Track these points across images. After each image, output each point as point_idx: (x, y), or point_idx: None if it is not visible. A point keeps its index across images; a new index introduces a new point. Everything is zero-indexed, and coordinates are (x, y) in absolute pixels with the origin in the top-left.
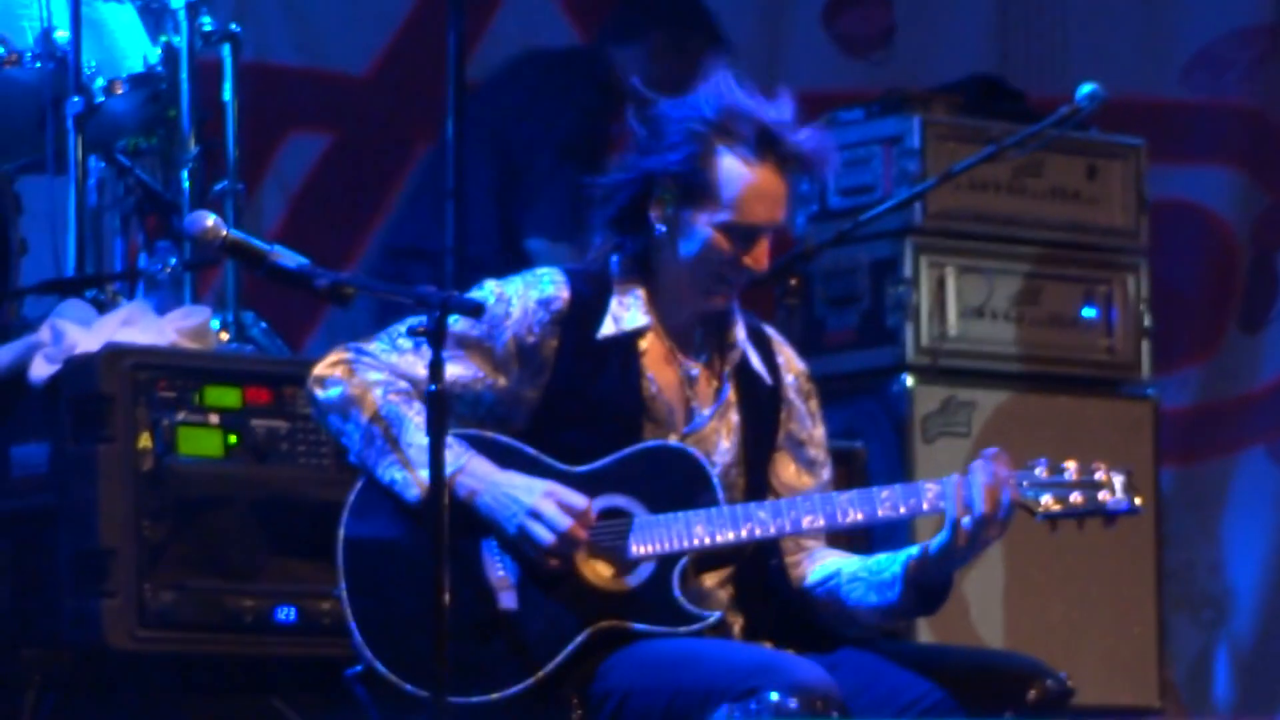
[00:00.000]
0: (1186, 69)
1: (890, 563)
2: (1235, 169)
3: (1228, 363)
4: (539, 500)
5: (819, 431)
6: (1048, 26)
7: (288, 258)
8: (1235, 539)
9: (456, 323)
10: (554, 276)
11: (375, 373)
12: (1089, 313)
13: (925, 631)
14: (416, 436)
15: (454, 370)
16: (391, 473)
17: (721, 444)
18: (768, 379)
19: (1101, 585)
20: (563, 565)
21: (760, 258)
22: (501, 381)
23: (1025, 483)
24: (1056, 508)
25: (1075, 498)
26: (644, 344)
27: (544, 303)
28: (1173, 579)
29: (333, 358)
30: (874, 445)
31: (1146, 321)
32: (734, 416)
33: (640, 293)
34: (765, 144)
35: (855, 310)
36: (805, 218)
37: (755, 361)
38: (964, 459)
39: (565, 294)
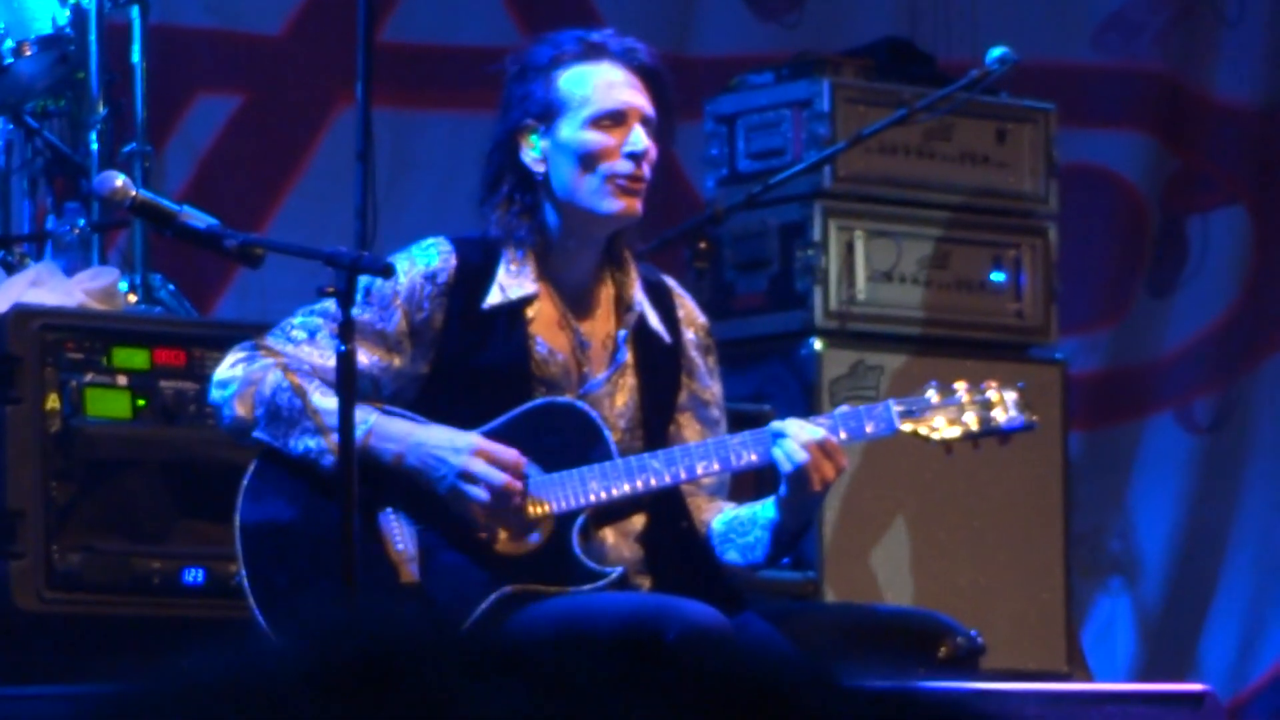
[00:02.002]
0: (1098, 32)
1: (752, 525)
2: (1145, 133)
3: (1137, 327)
4: (468, 460)
5: (717, 388)
6: None
7: (197, 218)
8: (1143, 504)
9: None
10: (441, 246)
11: (272, 358)
12: (998, 277)
13: (832, 594)
14: (322, 403)
15: None
16: (304, 441)
17: (616, 406)
18: (666, 337)
19: (1009, 550)
20: (492, 529)
21: (640, 141)
22: (397, 362)
23: (913, 410)
24: (952, 431)
25: (969, 419)
26: (531, 311)
27: (430, 276)
28: (1080, 544)
29: (229, 359)
30: (782, 409)
31: (1055, 286)
32: (630, 379)
33: (530, 258)
34: (596, 49)
35: (764, 274)
36: (714, 181)
37: (653, 321)
38: None
39: (452, 263)
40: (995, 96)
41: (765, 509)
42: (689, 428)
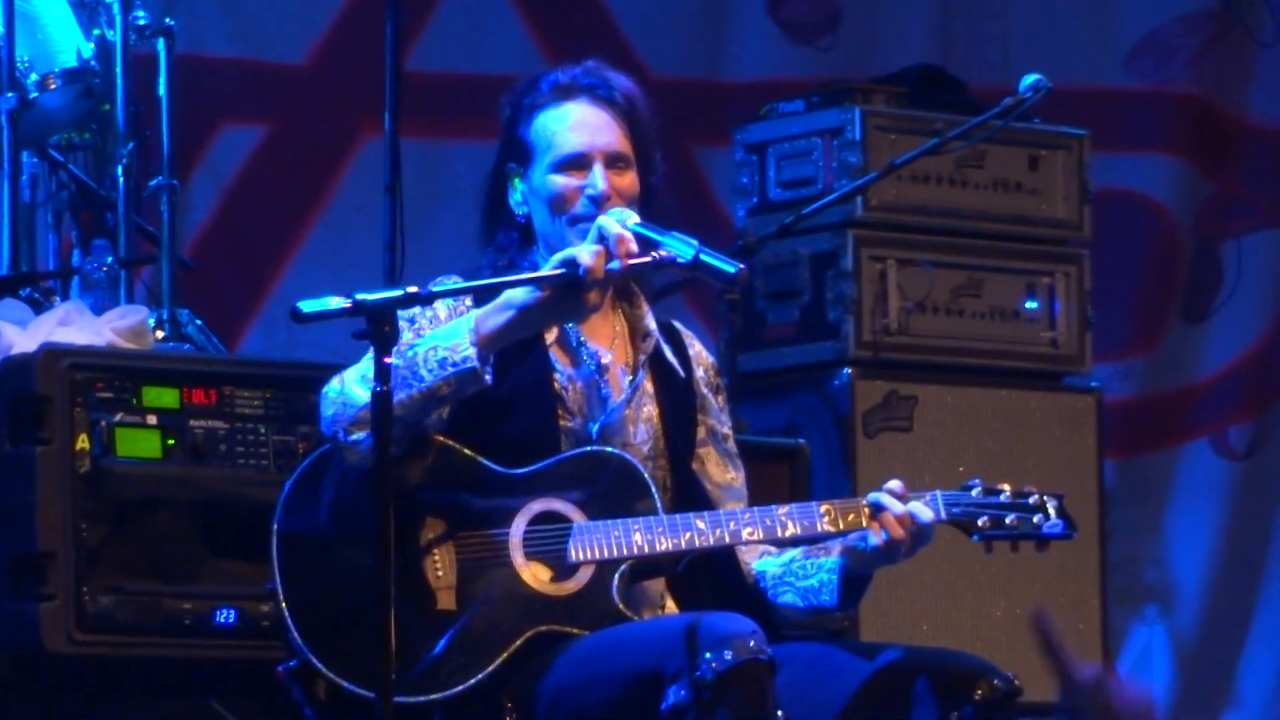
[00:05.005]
0: (1130, 56)
1: (816, 569)
2: (1178, 157)
3: (1171, 354)
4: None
5: (729, 426)
6: (991, 13)
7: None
8: (1179, 532)
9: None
10: (452, 278)
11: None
12: (1031, 305)
13: (868, 627)
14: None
15: None
16: (432, 363)
17: (639, 434)
18: (680, 371)
19: (1045, 580)
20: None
21: (599, 183)
22: None
23: (958, 505)
24: (992, 529)
25: (1010, 520)
26: (549, 336)
27: (451, 310)
28: (1116, 573)
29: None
30: (815, 440)
31: (1089, 313)
32: (651, 408)
33: None
34: (564, 89)
35: (796, 304)
36: (745, 210)
37: (668, 354)
38: (906, 453)
39: (468, 299)
40: (1028, 123)
41: (829, 559)
42: (711, 461)
